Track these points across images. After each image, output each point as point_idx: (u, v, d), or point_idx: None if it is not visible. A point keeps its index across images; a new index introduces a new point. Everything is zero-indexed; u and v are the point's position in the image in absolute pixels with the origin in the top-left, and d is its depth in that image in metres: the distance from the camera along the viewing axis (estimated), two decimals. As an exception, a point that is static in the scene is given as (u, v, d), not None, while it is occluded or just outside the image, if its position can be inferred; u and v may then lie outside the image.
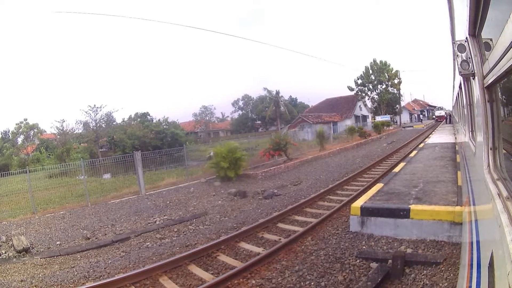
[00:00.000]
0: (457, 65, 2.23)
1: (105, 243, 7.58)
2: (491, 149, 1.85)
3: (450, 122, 41.09)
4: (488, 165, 1.87)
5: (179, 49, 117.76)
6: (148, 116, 46.11)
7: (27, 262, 6.77)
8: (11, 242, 7.80)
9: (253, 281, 4.70)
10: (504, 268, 1.06)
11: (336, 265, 4.88)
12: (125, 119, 43.98)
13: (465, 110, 5.26)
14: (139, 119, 45.07)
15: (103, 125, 38.37)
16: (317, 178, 12.91)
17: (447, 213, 5.05)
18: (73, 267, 6.26)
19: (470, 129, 4.15)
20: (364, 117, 49.67)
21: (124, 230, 8.55)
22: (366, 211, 5.93)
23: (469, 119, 4.30)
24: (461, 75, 2.35)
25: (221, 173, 13.94)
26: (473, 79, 2.21)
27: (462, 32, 2.37)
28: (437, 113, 62.90)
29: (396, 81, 49.51)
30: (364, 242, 5.56)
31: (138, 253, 6.67)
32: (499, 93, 1.81)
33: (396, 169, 9.77)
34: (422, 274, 4.16)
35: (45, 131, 40.21)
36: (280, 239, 6.34)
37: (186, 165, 16.28)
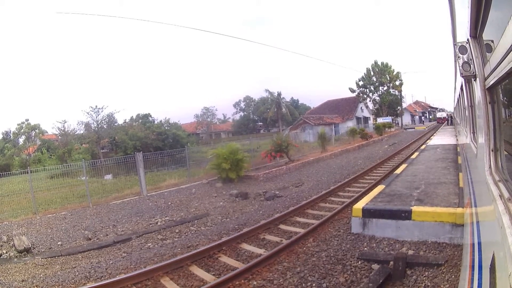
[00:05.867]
0: (459, 66, 2.23)
1: (107, 244, 7.60)
2: (492, 150, 1.85)
3: (451, 124, 41.00)
4: (490, 167, 1.87)
5: (181, 50, 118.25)
6: (150, 117, 46.25)
7: (28, 262, 6.79)
8: (12, 242, 7.81)
9: (255, 282, 4.70)
10: (505, 269, 1.05)
11: (337, 267, 4.88)
12: (127, 120, 44.14)
13: (466, 111, 5.25)
14: (140, 120, 45.16)
15: (104, 126, 38.41)
16: (318, 180, 12.90)
17: (449, 215, 5.04)
18: (74, 267, 6.28)
19: (472, 131, 4.14)
20: (366, 119, 49.59)
21: (125, 231, 8.56)
22: (368, 213, 5.93)
23: (471, 120, 4.29)
24: (462, 76, 2.35)
25: (222, 174, 13.95)
26: (475, 80, 2.21)
27: (464, 33, 2.37)
28: (439, 114, 62.81)
29: (397, 82, 49.50)
30: (365, 243, 5.55)
31: (139, 254, 6.68)
32: (501, 95, 1.81)
33: (398, 171, 9.76)
34: (424, 275, 4.16)
35: (47, 132, 40.41)
36: (281, 240, 6.34)
37: (188, 166, 16.29)
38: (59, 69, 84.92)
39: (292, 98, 67.42)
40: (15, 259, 7.04)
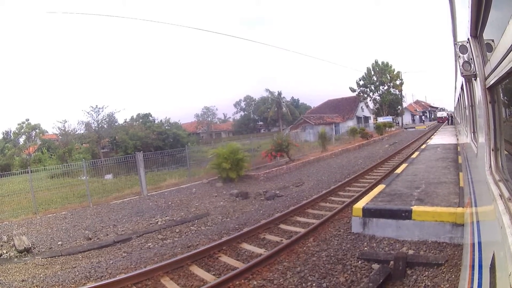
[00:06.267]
0: (459, 66, 2.23)
1: (107, 244, 7.60)
2: (492, 150, 1.84)
3: (452, 124, 40.97)
4: (490, 166, 1.86)
5: (181, 50, 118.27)
6: (150, 117, 46.17)
7: (28, 262, 6.80)
8: (12, 242, 7.82)
9: (255, 282, 4.70)
10: (505, 269, 1.05)
11: (337, 267, 4.88)
12: (127, 120, 44.02)
13: (467, 111, 5.25)
14: (141, 120, 45.11)
15: (105, 125, 38.32)
16: (319, 179, 12.90)
17: (449, 214, 5.04)
18: (75, 267, 6.28)
19: (472, 130, 4.14)
20: (366, 118, 49.53)
21: (125, 230, 8.57)
22: (368, 212, 5.92)
23: (471, 120, 4.29)
24: (462, 76, 2.35)
25: (223, 174, 13.94)
26: (475, 80, 2.21)
27: (464, 33, 2.37)
28: (439, 114, 62.85)
29: (398, 82, 49.49)
30: (366, 243, 5.55)
31: (139, 253, 6.68)
32: (501, 94, 1.81)
33: (398, 170, 9.76)
34: (424, 275, 4.15)
35: (47, 132, 40.37)
36: (282, 240, 6.34)
37: (188, 166, 16.29)
38: (59, 69, 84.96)
39: (292, 97, 67.56)
40: (15, 259, 7.05)
